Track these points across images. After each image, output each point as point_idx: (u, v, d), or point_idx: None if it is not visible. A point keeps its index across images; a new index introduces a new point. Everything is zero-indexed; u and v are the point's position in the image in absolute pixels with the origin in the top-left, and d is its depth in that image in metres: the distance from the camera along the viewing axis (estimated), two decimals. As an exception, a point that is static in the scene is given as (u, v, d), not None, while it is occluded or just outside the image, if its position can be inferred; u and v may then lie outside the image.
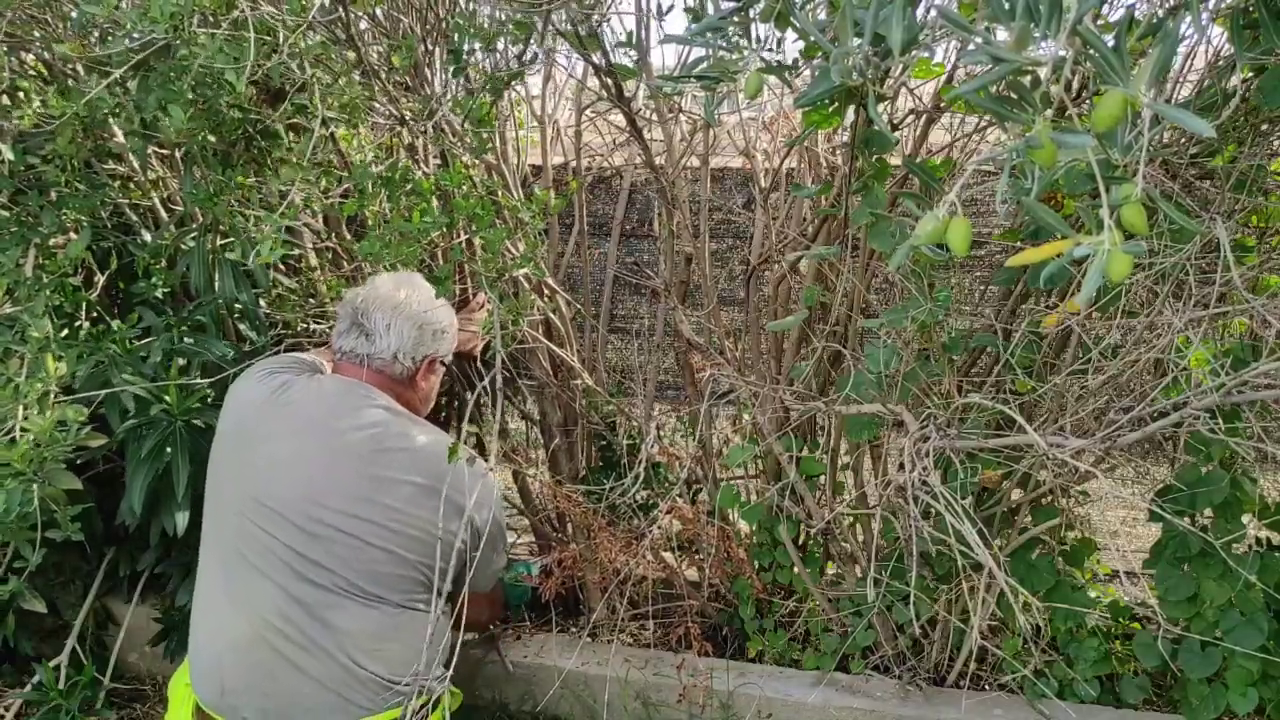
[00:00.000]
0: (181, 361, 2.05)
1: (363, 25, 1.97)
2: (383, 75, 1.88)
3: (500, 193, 1.96)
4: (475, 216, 1.74)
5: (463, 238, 2.00)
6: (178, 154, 2.13)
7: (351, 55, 1.83)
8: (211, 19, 1.51)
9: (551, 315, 2.24)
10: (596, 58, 1.87)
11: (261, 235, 1.56)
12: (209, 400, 2.06)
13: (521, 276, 2.04)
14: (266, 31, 1.54)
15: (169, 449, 2.04)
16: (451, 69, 1.87)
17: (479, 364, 2.25)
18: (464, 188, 1.81)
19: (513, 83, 2.00)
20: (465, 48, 1.82)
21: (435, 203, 1.84)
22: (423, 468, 1.75)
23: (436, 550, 1.71)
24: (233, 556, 1.71)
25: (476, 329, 2.14)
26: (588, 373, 2.36)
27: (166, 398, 2.01)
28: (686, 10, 1.28)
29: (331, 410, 1.75)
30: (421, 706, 1.73)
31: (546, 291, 2.21)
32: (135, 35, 1.49)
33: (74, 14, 1.83)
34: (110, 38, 1.67)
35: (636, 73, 1.82)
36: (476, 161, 2.05)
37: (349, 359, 1.82)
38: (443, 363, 1.91)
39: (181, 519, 2.10)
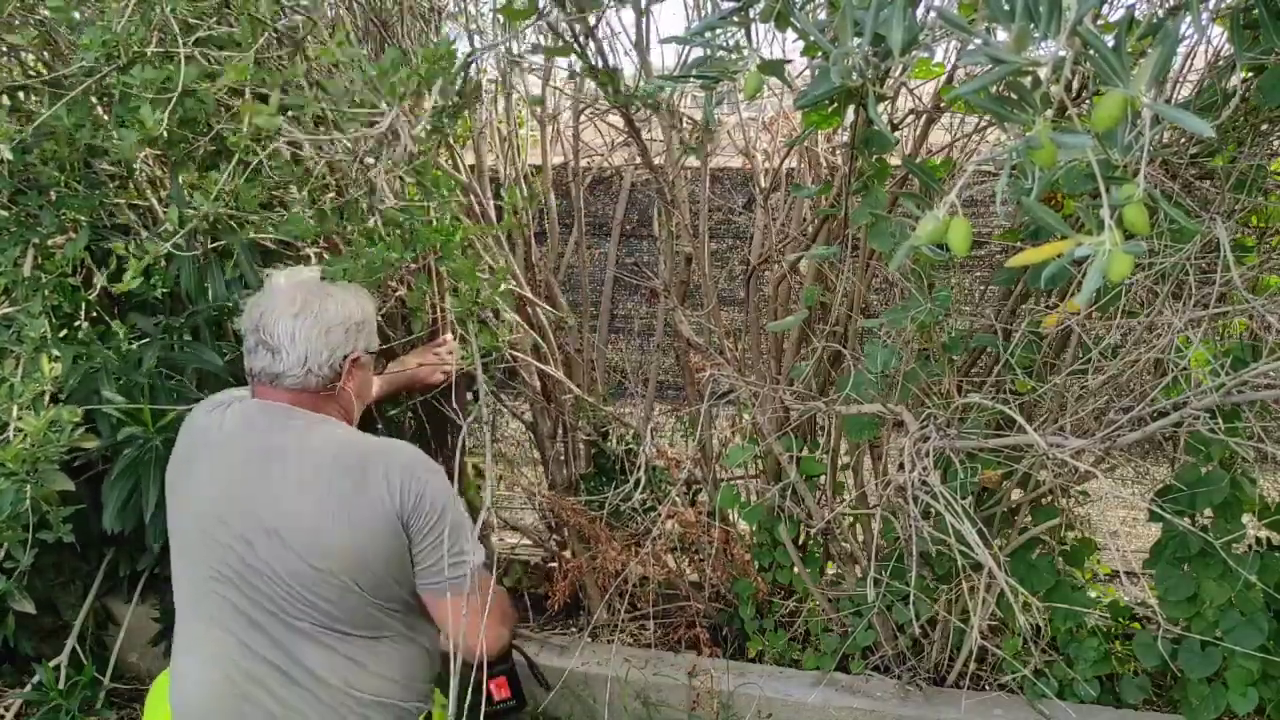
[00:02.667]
0: (172, 381, 2.04)
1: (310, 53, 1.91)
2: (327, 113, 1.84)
3: (464, 216, 1.91)
4: (442, 246, 1.69)
5: (429, 264, 1.93)
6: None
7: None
8: (144, 52, 1.47)
9: (533, 333, 2.20)
10: (593, 59, 1.86)
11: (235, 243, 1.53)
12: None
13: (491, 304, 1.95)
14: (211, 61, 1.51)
15: (141, 468, 2.03)
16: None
17: (463, 391, 2.21)
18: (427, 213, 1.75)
19: (472, 104, 1.95)
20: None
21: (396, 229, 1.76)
22: (346, 462, 1.59)
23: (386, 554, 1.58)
24: (186, 591, 1.65)
25: (442, 362, 2.06)
26: (584, 376, 2.37)
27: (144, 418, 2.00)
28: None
29: (250, 428, 1.63)
30: None
31: (527, 306, 2.17)
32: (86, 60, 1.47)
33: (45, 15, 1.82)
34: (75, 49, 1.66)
35: (634, 99, 1.75)
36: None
37: (261, 380, 1.65)
38: (370, 352, 1.73)
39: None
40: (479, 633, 1.63)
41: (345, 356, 1.65)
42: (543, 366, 2.24)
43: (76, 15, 1.57)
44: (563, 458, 2.49)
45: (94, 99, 1.60)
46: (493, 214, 2.26)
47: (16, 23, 1.89)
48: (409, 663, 1.68)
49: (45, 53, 1.99)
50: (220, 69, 1.46)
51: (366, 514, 1.55)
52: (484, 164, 2.31)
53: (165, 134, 1.47)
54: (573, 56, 1.69)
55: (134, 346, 2.03)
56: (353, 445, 1.62)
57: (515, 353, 2.12)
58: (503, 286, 1.88)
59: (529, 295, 2.17)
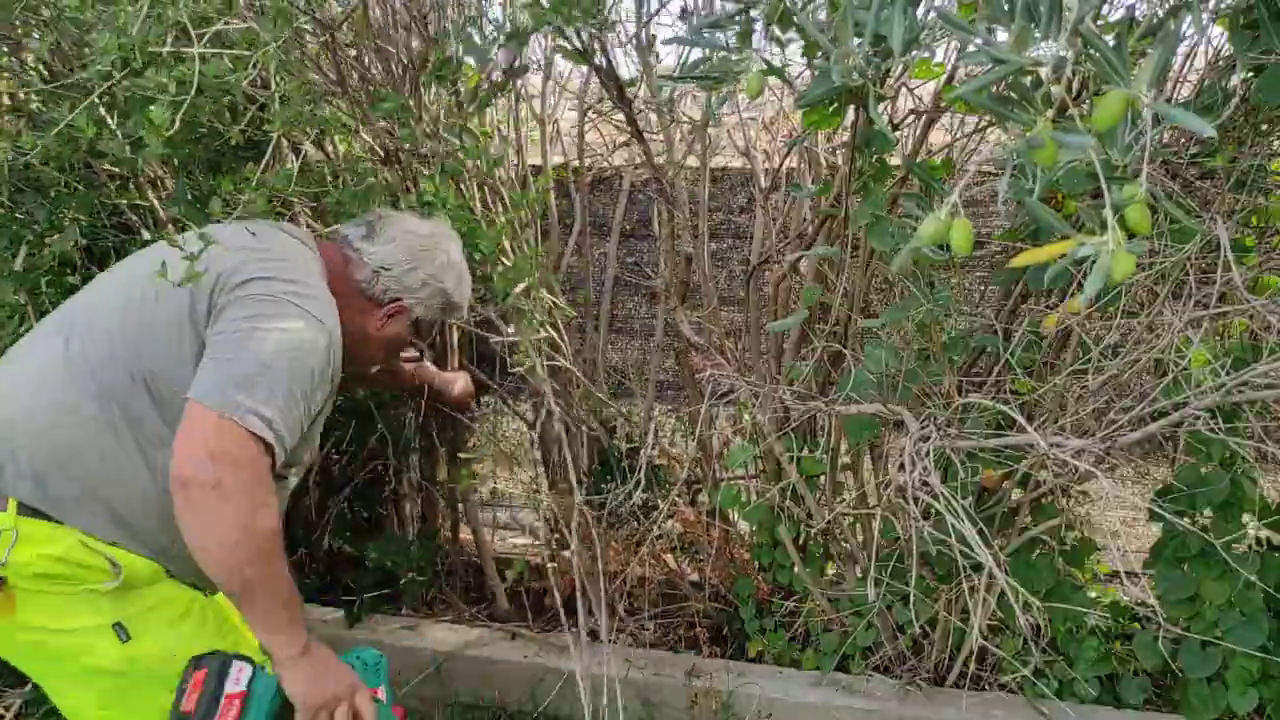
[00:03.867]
0: None
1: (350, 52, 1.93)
2: (364, 106, 1.85)
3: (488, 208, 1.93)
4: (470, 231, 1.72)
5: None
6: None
7: (316, 77, 1.81)
8: (159, 53, 1.47)
9: (551, 332, 2.21)
10: (598, 59, 1.87)
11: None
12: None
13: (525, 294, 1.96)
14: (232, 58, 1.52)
15: None
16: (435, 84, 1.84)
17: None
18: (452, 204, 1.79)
19: (502, 91, 1.98)
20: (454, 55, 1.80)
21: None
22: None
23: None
24: None
25: (472, 394, 2.15)
26: (586, 377, 2.36)
27: None
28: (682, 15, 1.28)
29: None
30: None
31: (550, 303, 2.19)
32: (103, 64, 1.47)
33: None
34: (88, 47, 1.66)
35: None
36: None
37: (332, 239, 1.65)
38: (415, 325, 1.71)
39: None
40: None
41: (396, 296, 1.63)
42: (567, 364, 2.23)
43: (89, 16, 1.56)
44: (568, 456, 2.48)
45: (96, 99, 1.60)
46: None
47: (25, 23, 1.89)
48: None
49: (47, 53, 1.99)
50: (242, 61, 1.46)
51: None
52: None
53: (172, 136, 1.47)
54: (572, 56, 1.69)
55: None
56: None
57: (552, 348, 2.13)
58: (537, 274, 1.90)
59: (552, 287, 2.19)
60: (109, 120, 1.60)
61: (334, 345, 1.46)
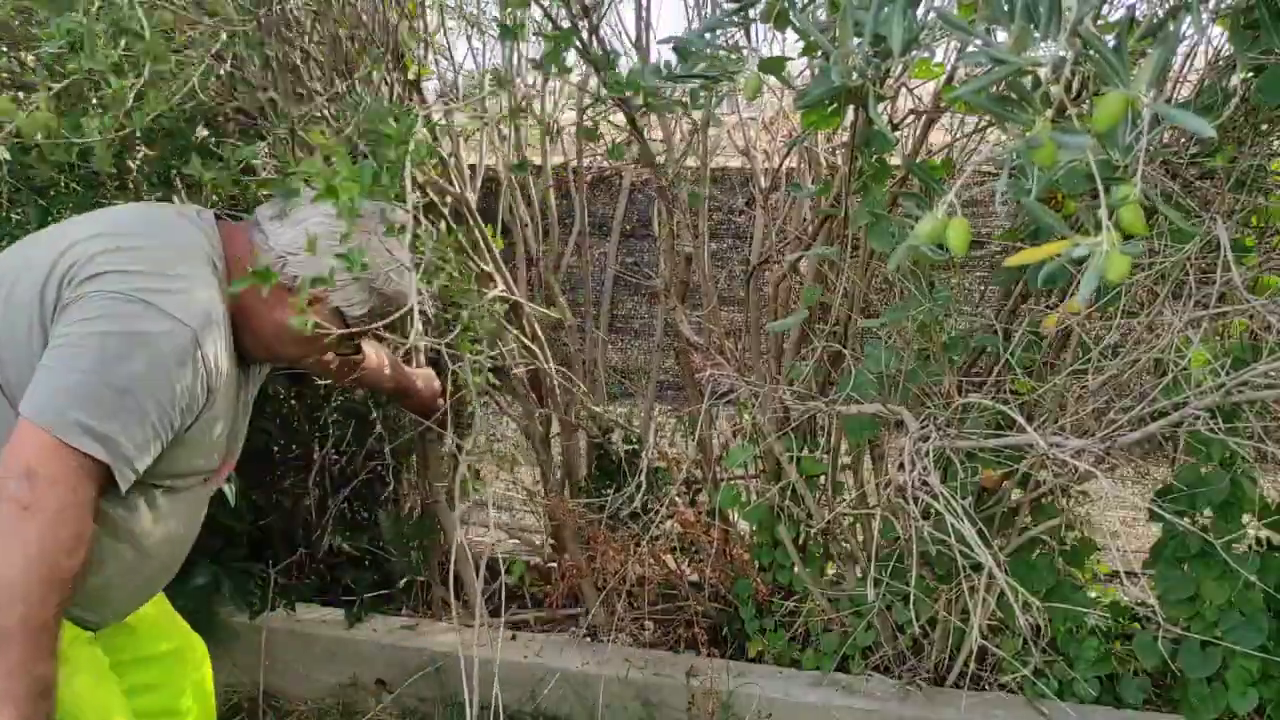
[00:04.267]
0: None
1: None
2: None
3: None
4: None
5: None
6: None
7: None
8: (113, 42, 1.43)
9: (532, 345, 2.15)
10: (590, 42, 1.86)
11: None
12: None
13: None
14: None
15: None
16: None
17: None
18: None
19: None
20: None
21: None
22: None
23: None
24: None
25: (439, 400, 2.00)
26: (585, 377, 2.36)
27: None
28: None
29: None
30: None
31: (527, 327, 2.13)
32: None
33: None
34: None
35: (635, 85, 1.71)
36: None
37: (247, 219, 1.49)
38: (341, 314, 1.47)
39: None
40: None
41: (303, 280, 1.38)
42: (548, 366, 2.21)
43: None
44: (560, 460, 2.48)
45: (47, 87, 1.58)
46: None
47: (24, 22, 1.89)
48: None
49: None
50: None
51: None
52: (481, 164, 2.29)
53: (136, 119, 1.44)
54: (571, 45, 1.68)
55: None
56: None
57: (496, 381, 2.07)
58: (492, 294, 1.81)
59: (522, 300, 2.13)
60: (57, 121, 1.55)
61: (206, 342, 1.31)
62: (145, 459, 1.27)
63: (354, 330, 1.50)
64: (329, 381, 2.21)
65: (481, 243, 1.96)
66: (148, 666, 1.61)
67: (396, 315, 1.53)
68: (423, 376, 2.06)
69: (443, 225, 1.86)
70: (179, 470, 1.39)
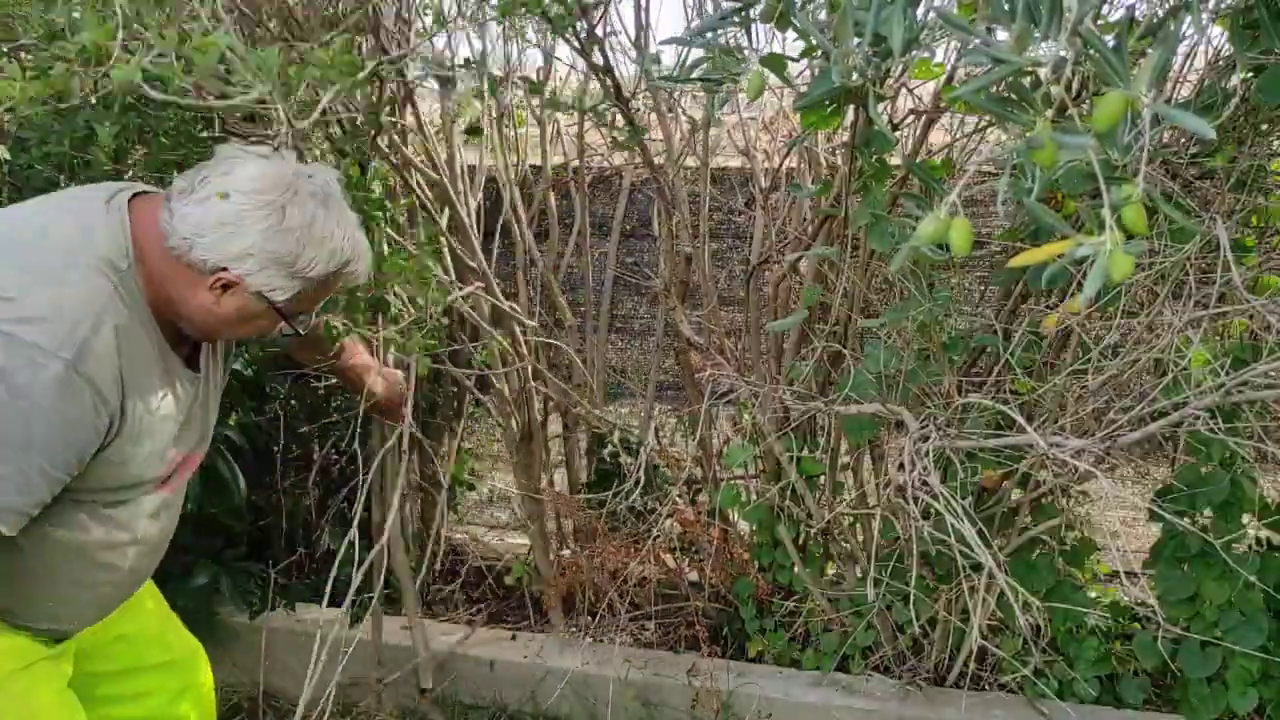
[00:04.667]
0: None
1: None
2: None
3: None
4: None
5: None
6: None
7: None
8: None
9: (503, 341, 2.13)
10: (595, 57, 1.86)
11: None
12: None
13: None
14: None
15: None
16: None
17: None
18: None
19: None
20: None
21: None
22: None
23: None
24: None
25: (402, 402, 1.93)
26: (584, 376, 2.35)
27: None
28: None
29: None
30: None
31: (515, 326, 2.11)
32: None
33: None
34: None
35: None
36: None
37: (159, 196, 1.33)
38: (267, 299, 1.31)
39: None
40: None
41: (223, 269, 1.27)
42: (526, 366, 2.20)
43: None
44: (568, 459, 2.48)
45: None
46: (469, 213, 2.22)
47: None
48: None
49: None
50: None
51: None
52: (458, 158, 2.26)
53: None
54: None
55: None
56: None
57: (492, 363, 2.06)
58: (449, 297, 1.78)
59: (500, 301, 2.10)
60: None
61: (89, 367, 1.20)
62: (27, 505, 1.20)
63: (284, 313, 1.36)
64: (329, 382, 2.21)
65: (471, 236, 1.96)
66: (142, 675, 1.60)
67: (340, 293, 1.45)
68: (392, 378, 1.99)
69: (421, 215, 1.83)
70: (112, 485, 1.32)
